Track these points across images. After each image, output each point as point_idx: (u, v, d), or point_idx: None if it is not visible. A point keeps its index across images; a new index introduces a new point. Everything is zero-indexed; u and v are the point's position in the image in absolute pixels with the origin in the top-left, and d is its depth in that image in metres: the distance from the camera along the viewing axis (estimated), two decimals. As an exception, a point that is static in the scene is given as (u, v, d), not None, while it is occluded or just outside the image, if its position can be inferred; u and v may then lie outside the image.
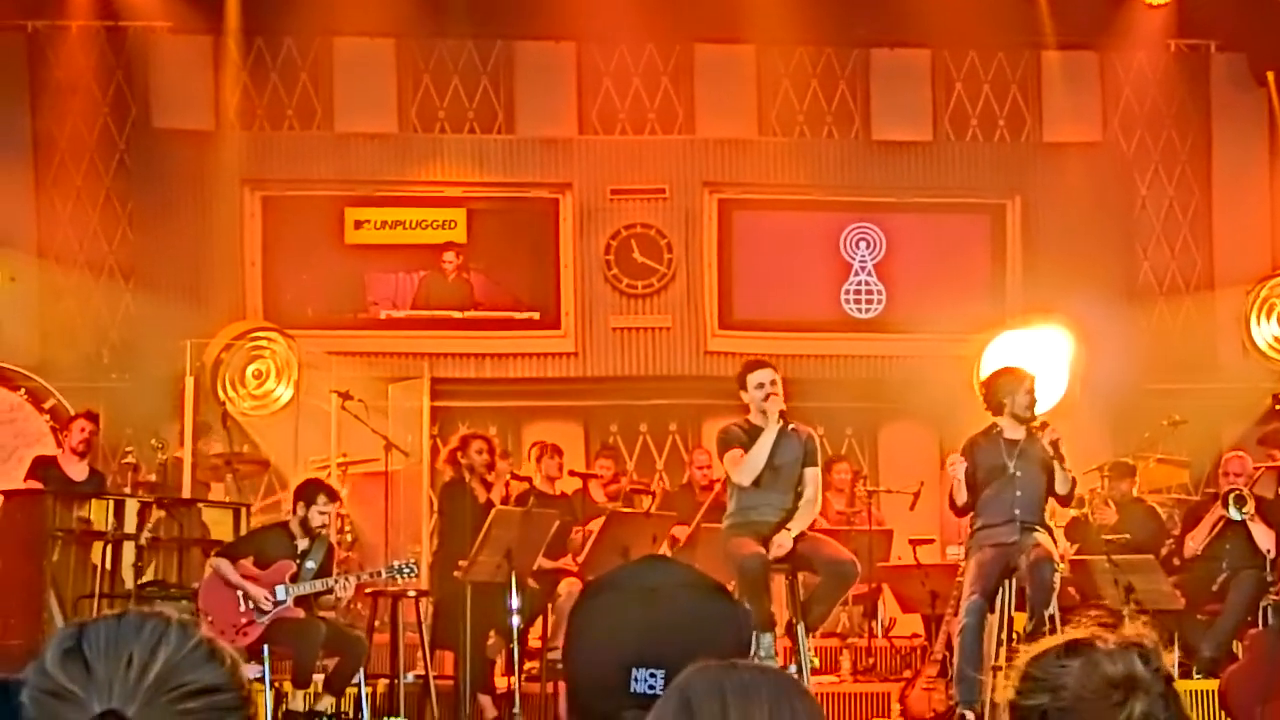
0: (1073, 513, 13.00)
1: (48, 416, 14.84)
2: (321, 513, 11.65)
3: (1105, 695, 2.33)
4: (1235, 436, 15.56)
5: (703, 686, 2.15)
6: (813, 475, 10.95)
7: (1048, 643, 2.46)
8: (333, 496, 11.92)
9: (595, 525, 12.73)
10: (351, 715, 11.56)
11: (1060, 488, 11.03)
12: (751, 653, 2.40)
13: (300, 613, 11.45)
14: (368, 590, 12.52)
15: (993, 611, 10.91)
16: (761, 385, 10.78)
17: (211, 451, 14.99)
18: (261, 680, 10.95)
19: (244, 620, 11.25)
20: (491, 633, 12.09)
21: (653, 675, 2.27)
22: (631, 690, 2.27)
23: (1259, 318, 16.79)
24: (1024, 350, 14.95)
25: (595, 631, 2.35)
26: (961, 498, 11.05)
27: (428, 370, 16.04)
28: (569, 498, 13.47)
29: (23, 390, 15.02)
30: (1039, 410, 11.28)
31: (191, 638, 1.98)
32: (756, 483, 10.72)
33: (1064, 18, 16.61)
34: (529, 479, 13.30)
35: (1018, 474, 10.90)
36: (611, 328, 16.95)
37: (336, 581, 11.61)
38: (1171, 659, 10.73)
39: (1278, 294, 16.83)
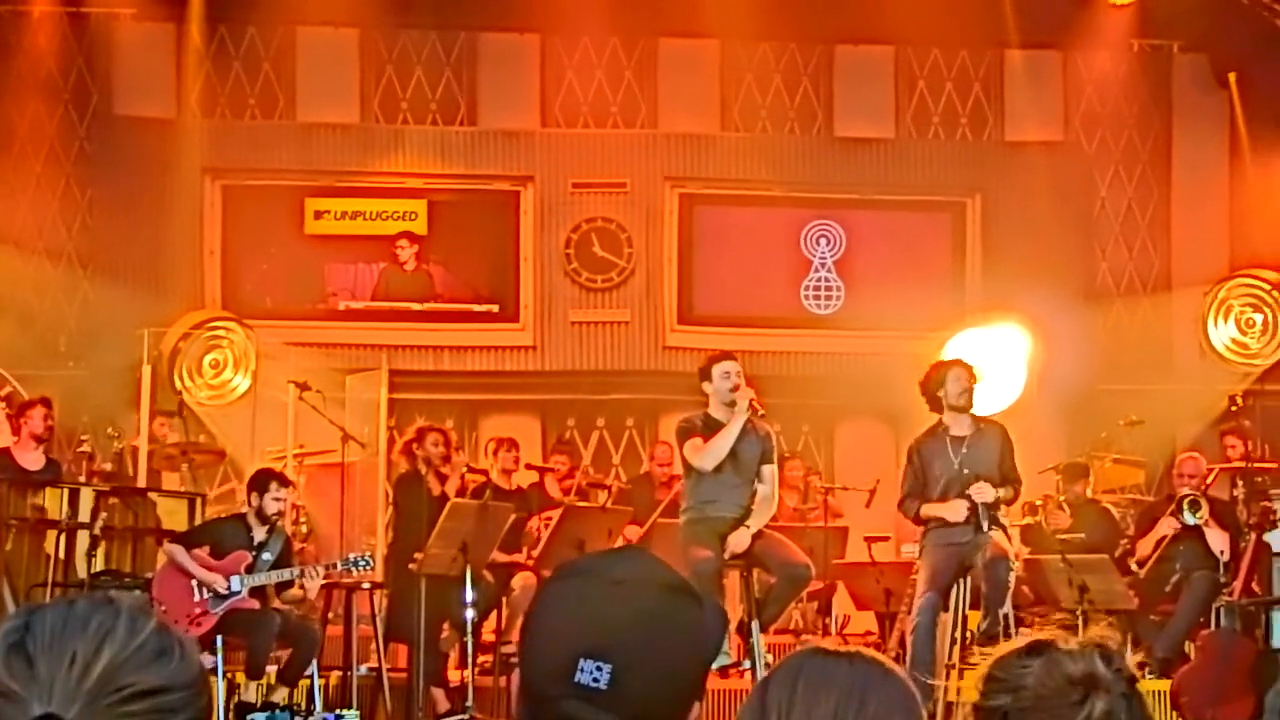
0: (1027, 520, 13.01)
1: (3, 404, 14.72)
2: (276, 499, 11.62)
3: (1065, 694, 2.33)
4: (1191, 437, 15.54)
5: (784, 669, 2.19)
6: (770, 472, 11.00)
7: (1011, 644, 2.47)
8: (285, 482, 11.90)
9: (551, 517, 12.73)
10: (304, 707, 11.52)
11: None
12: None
13: (255, 604, 11.42)
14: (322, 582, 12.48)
15: (947, 610, 10.93)
16: (728, 375, 10.85)
17: (168, 440, 14.94)
18: (214, 671, 10.89)
19: (198, 610, 11.20)
20: (445, 626, 12.09)
21: (599, 668, 2.24)
22: (575, 680, 2.26)
23: (1216, 319, 16.86)
24: (982, 348, 14.97)
25: (553, 615, 2.33)
26: (912, 511, 11.10)
27: (386, 362, 15.98)
28: (525, 491, 13.46)
29: (-22, 377, 14.92)
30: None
31: (139, 634, 1.91)
32: (718, 469, 10.73)
33: (1028, 17, 16.60)
34: (485, 472, 13.27)
35: (965, 472, 10.89)
36: (570, 321, 16.96)
37: (303, 573, 11.56)
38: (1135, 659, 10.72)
39: (1235, 296, 16.91)
